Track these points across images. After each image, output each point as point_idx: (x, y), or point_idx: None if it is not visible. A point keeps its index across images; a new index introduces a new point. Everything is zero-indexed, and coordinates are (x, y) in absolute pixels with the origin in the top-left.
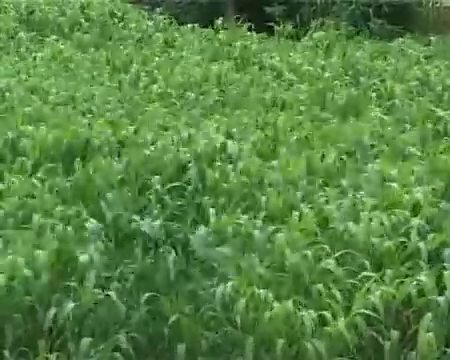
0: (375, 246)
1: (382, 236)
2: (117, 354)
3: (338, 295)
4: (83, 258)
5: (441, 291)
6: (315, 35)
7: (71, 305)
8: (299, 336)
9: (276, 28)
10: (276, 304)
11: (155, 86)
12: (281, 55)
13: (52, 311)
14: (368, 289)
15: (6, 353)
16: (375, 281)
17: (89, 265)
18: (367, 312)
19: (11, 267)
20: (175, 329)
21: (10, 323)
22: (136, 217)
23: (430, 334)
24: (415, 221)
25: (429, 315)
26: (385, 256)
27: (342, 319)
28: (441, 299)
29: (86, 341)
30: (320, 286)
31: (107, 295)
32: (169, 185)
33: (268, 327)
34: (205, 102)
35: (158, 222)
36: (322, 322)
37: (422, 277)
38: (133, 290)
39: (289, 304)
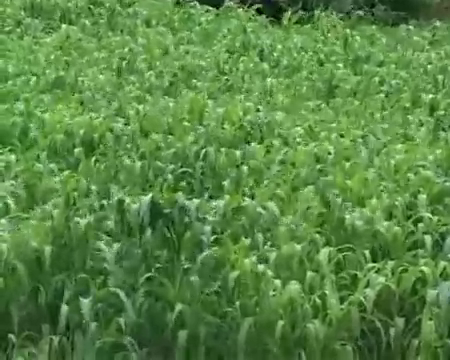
0: (381, 233)
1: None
2: (120, 339)
3: (330, 284)
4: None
5: (446, 278)
6: (319, 22)
7: (86, 302)
8: (300, 320)
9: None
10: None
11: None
12: (283, 42)
13: (65, 308)
14: (368, 280)
15: (12, 337)
16: (377, 271)
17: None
18: (361, 299)
19: (16, 245)
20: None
21: (15, 305)
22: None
23: (433, 322)
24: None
25: (429, 302)
26: (391, 244)
27: (340, 306)
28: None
29: (92, 326)
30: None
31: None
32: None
33: (269, 309)
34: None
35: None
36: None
37: (424, 267)
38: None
39: (293, 286)
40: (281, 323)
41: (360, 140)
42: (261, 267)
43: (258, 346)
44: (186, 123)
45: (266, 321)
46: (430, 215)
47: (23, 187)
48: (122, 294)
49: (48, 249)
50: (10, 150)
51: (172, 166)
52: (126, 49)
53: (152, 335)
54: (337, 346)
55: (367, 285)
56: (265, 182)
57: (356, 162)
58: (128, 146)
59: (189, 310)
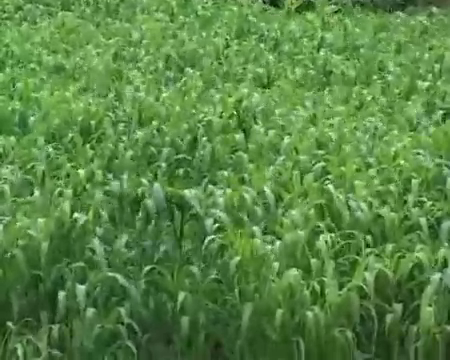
0: (378, 218)
1: (385, 203)
2: (120, 326)
3: (331, 270)
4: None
5: (445, 264)
6: (318, 8)
7: (82, 288)
8: (299, 306)
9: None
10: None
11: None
12: (282, 28)
13: (62, 294)
14: (367, 265)
15: (10, 324)
16: (376, 255)
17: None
18: (361, 284)
19: (14, 234)
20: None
21: (14, 293)
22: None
23: (432, 308)
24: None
25: (430, 289)
26: (388, 229)
27: (339, 292)
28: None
29: (90, 312)
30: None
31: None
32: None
33: (269, 296)
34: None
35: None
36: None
37: (420, 253)
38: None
39: (292, 273)
40: (280, 311)
41: (359, 127)
42: (264, 250)
43: (258, 333)
44: (183, 110)
45: (266, 308)
46: (425, 199)
47: (21, 173)
48: (120, 277)
49: (45, 244)
50: (8, 136)
51: (167, 151)
52: (125, 36)
53: (152, 322)
54: (336, 333)
55: (366, 269)
56: (265, 168)
57: (354, 148)
58: (124, 133)
59: (190, 298)
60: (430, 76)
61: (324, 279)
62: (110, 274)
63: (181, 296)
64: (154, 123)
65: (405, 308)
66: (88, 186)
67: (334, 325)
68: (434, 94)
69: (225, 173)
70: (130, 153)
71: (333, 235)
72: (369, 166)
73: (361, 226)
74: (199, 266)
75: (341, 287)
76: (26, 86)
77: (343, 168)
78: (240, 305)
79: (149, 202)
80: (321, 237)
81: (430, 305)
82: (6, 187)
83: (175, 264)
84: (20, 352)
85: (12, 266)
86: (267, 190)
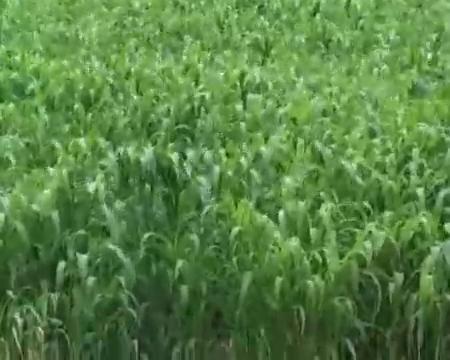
0: (378, 185)
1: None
2: (121, 294)
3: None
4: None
5: (445, 236)
6: None
7: (84, 257)
8: (299, 276)
9: None
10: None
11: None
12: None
13: (62, 263)
14: (370, 232)
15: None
16: (377, 225)
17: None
18: (361, 252)
19: (15, 205)
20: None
21: (13, 261)
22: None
23: (431, 277)
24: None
25: (430, 258)
26: (387, 196)
27: (339, 261)
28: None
29: (90, 281)
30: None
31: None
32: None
33: (269, 265)
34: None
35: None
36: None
37: (422, 218)
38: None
39: (292, 243)
40: (280, 279)
41: (359, 94)
42: (263, 220)
43: (257, 301)
44: (182, 79)
45: (265, 277)
46: (425, 163)
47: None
48: (119, 251)
49: (55, 214)
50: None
51: (167, 121)
52: (126, 5)
53: (152, 291)
54: (336, 301)
55: (366, 238)
56: (265, 137)
57: (357, 117)
58: (123, 101)
59: (189, 267)
60: (428, 45)
61: (325, 249)
62: (111, 246)
63: (179, 264)
64: (152, 91)
65: (406, 277)
66: (90, 154)
67: (334, 294)
68: (434, 62)
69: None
70: (127, 120)
71: (334, 204)
72: (373, 134)
73: (361, 193)
74: (198, 234)
75: (341, 257)
76: (23, 57)
77: (347, 136)
78: (239, 274)
79: (143, 166)
80: (322, 206)
81: (430, 273)
82: (10, 155)
83: (174, 232)
84: (19, 321)
85: (13, 237)
86: (265, 154)
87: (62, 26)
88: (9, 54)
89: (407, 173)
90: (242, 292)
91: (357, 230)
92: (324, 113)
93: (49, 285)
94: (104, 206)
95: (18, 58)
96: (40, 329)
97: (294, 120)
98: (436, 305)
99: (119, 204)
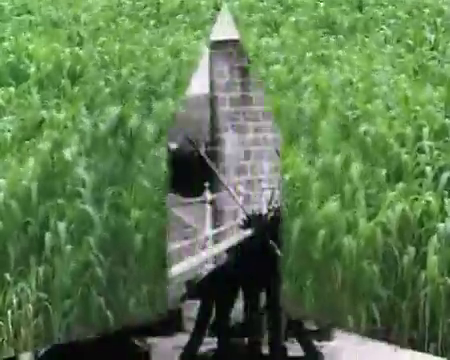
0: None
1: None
2: (90, 256)
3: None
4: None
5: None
6: None
7: (62, 224)
8: (337, 232)
9: None
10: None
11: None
12: None
13: (48, 235)
14: (391, 201)
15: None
16: (398, 194)
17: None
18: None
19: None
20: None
21: (11, 241)
22: None
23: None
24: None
25: (435, 238)
26: (404, 169)
27: (369, 224)
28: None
29: (67, 249)
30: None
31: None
32: None
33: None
34: None
35: None
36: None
37: (429, 197)
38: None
39: (333, 201)
40: (322, 232)
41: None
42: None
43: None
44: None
45: (310, 227)
46: (432, 144)
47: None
48: (90, 209)
49: (34, 184)
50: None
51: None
52: None
53: (115, 245)
54: (365, 264)
55: (389, 207)
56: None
57: (374, 89)
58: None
59: (144, 214)
60: (430, 28)
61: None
62: (82, 206)
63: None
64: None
65: (417, 252)
66: (70, 124)
67: (363, 256)
68: (436, 45)
69: None
70: (108, 90)
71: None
72: (388, 108)
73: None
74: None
75: (369, 219)
76: (17, 41)
77: (369, 105)
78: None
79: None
80: (353, 165)
81: (436, 253)
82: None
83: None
84: (15, 301)
85: (7, 215)
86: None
87: (60, 9)
88: (4, 39)
89: (419, 150)
90: (293, 238)
91: (381, 195)
92: (343, 84)
93: (36, 260)
94: (77, 169)
95: (13, 43)
96: (30, 306)
97: (317, 87)
98: (439, 287)
99: (88, 162)
